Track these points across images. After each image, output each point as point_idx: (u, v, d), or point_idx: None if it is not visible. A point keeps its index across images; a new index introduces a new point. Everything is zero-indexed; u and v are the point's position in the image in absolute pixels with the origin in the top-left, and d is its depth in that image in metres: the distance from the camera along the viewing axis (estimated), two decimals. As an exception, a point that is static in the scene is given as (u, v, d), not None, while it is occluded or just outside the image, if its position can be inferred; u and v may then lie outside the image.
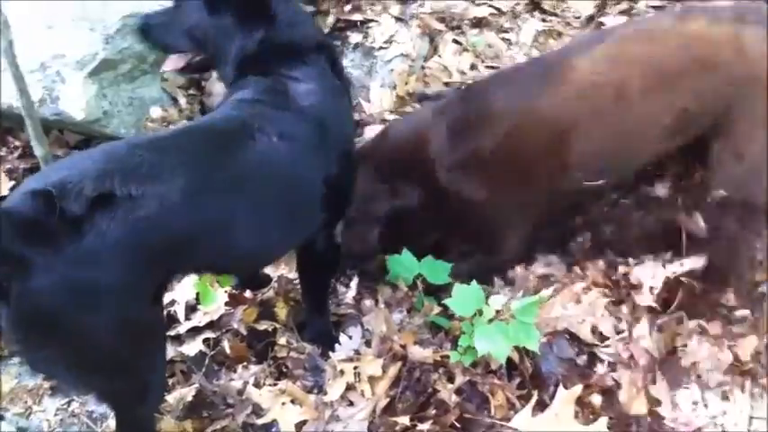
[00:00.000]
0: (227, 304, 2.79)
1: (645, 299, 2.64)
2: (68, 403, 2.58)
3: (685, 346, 2.51)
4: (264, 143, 2.20)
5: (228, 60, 2.44)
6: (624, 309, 2.64)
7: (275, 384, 2.58)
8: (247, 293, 2.87)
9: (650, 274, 2.70)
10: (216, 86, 3.57)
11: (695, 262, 2.70)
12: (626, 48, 2.53)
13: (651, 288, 2.65)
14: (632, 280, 2.72)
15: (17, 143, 3.33)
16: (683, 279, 2.65)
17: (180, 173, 2.01)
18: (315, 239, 2.53)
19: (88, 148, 3.18)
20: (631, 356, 2.50)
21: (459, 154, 2.66)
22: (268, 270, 2.91)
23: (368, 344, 2.65)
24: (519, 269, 2.82)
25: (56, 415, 2.56)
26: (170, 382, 2.54)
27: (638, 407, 2.39)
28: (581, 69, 2.53)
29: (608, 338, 2.56)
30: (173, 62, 2.58)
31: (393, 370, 2.52)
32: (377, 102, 3.63)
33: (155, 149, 2.07)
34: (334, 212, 2.52)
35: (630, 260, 2.79)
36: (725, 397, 2.39)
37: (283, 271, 2.92)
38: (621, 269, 2.76)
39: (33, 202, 1.83)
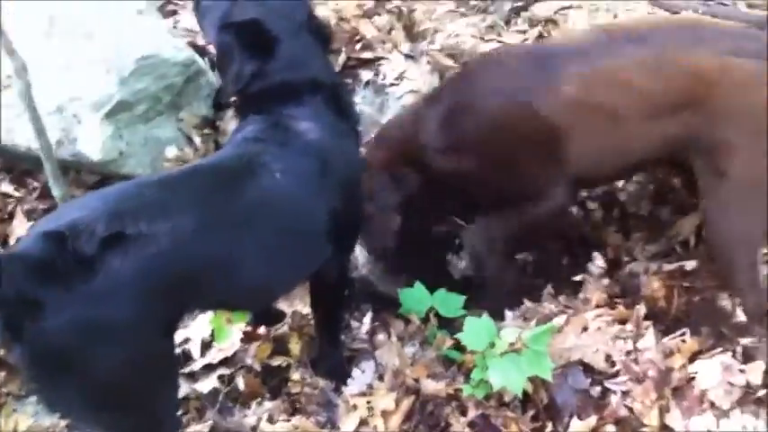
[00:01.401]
0: (241, 341, 2.81)
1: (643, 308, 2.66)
2: (83, 442, 2.59)
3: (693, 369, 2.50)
4: (268, 178, 2.25)
5: (226, 81, 2.49)
6: (629, 326, 2.63)
7: (289, 420, 2.58)
8: (261, 329, 2.88)
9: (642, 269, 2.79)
10: (230, 126, 3.62)
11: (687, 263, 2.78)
12: (626, 72, 2.54)
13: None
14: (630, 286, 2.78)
15: (35, 184, 3.38)
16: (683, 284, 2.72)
17: (188, 210, 2.07)
18: (327, 272, 2.55)
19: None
20: (641, 372, 2.50)
21: (453, 137, 2.72)
22: (282, 305, 2.92)
23: (381, 378, 2.65)
24: (528, 302, 2.83)
25: (70, 454, 2.57)
26: (184, 419, 2.55)
27: (652, 420, 2.38)
28: (578, 82, 2.56)
29: (620, 366, 2.54)
30: None
31: (406, 404, 2.52)
32: (389, 138, 3.66)
33: (163, 188, 2.14)
34: (341, 245, 2.54)
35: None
36: (741, 425, 2.36)
37: (298, 306, 2.93)
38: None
39: (45, 243, 1.87)
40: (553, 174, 2.70)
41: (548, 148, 2.64)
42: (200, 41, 3.90)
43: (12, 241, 3.14)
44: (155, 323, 2.01)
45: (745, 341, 2.54)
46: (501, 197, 2.77)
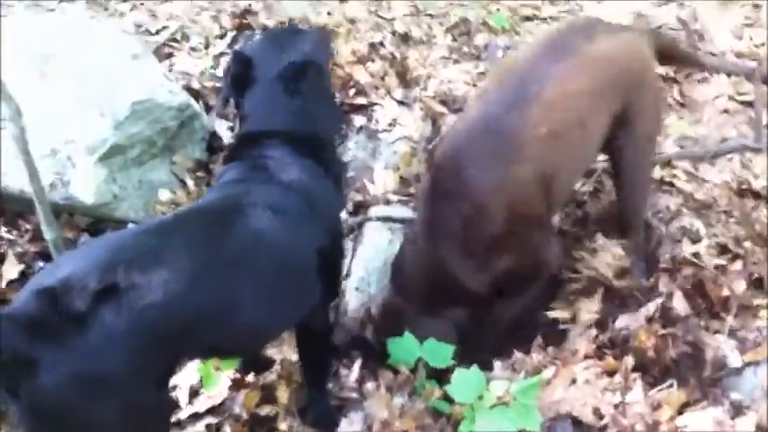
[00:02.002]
0: (229, 388, 2.79)
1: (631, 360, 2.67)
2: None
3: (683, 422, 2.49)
4: (257, 217, 2.27)
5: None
6: (618, 378, 2.62)
7: (276, 471, 2.57)
8: (250, 377, 2.86)
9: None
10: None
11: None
12: (568, 85, 2.68)
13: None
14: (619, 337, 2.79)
15: (28, 226, 3.36)
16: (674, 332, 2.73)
17: (181, 257, 2.07)
18: (313, 318, 2.55)
19: (98, 232, 3.28)
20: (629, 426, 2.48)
21: (480, 255, 2.72)
22: (271, 352, 2.92)
23: (369, 429, 2.63)
24: (518, 353, 2.82)
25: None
26: (171, 469, 2.51)
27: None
28: (542, 120, 2.63)
29: (608, 419, 2.52)
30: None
31: (395, 456, 2.51)
32: (380, 183, 3.68)
33: (157, 235, 2.15)
34: (329, 284, 2.56)
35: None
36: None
37: (287, 353, 2.91)
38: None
39: (38, 301, 1.90)
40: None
41: (543, 195, 2.71)
42: (195, 84, 3.95)
43: (2, 284, 3.12)
44: (149, 376, 2.02)
45: (734, 395, 2.53)
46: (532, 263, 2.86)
